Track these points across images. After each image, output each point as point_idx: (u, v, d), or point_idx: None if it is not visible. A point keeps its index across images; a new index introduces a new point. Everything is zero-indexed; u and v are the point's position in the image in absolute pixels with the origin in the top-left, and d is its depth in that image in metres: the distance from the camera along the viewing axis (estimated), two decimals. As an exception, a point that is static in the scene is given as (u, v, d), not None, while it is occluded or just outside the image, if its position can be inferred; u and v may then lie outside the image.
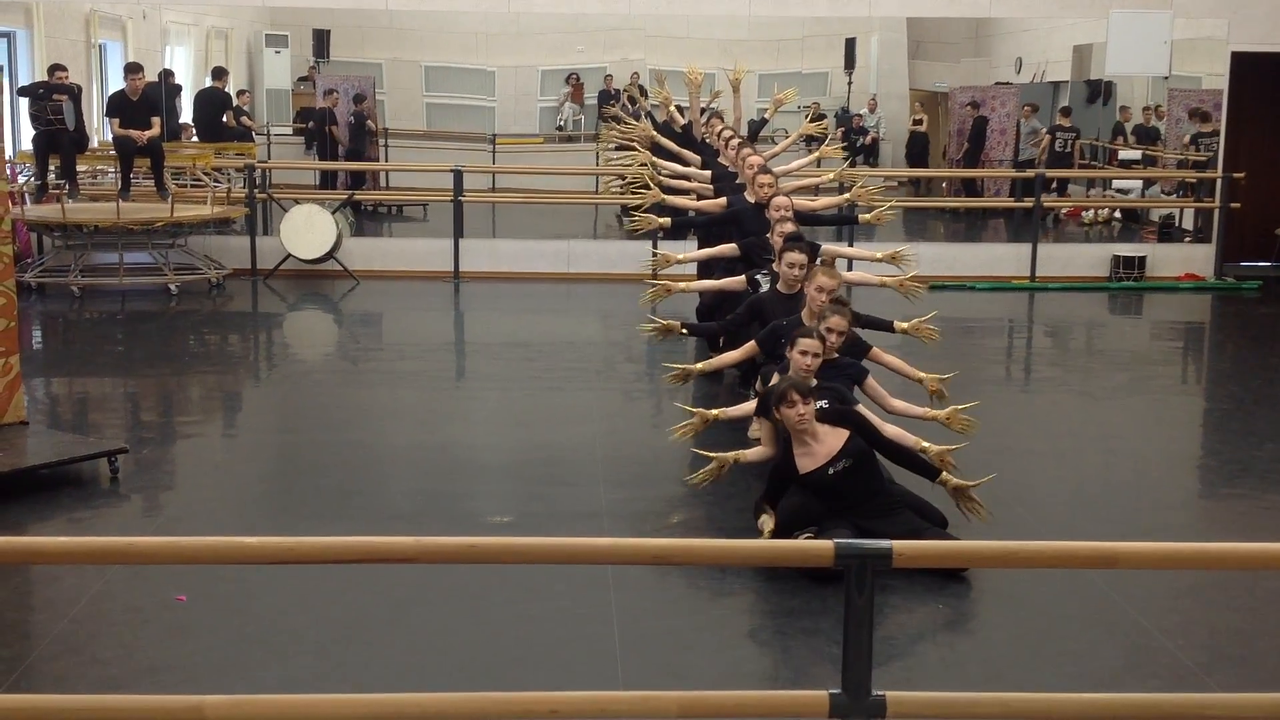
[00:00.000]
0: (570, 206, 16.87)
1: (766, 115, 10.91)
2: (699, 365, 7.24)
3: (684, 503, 6.64)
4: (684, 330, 7.71)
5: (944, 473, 5.91)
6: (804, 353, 6.05)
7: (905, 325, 7.36)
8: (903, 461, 5.93)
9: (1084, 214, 18.34)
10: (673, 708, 3.66)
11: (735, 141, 9.88)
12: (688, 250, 9.51)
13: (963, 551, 4.71)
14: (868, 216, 9.11)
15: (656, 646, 4.91)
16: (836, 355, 6.40)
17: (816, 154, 10.55)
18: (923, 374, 6.96)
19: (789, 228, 7.84)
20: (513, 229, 16.16)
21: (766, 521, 5.72)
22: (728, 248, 8.65)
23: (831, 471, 5.67)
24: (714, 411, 6.52)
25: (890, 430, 6.06)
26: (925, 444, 6.13)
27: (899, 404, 6.57)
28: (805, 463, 5.71)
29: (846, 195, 9.55)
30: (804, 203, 9.39)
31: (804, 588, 5.37)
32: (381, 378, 9.60)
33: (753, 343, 7.10)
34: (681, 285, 8.20)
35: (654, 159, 10.35)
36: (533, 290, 13.24)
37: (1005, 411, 8.81)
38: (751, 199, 8.77)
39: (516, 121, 24.67)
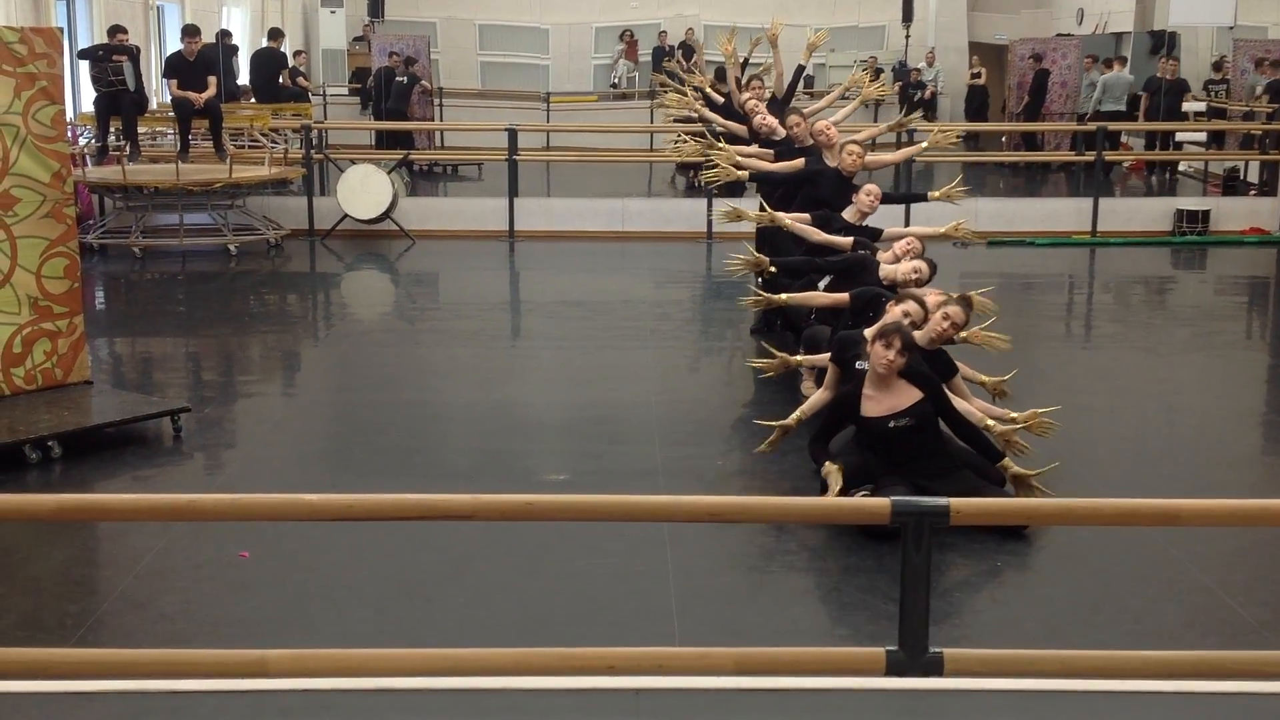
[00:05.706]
0: (625, 164, 16.81)
1: (801, 62, 10.67)
2: (784, 295, 7.30)
3: (740, 460, 6.63)
4: (773, 268, 7.66)
5: (1005, 458, 5.83)
6: (946, 317, 6.07)
7: (936, 193, 8.32)
8: (967, 438, 5.85)
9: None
10: (729, 664, 3.67)
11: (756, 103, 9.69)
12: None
13: (1021, 509, 4.69)
14: (935, 194, 8.73)
15: (712, 603, 4.92)
16: (942, 347, 6.34)
17: (844, 86, 10.36)
18: (984, 376, 6.85)
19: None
20: (567, 187, 16.15)
21: (834, 475, 5.66)
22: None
23: (892, 425, 5.66)
24: (797, 358, 6.80)
25: (961, 405, 6.01)
26: (990, 421, 6.05)
27: (979, 403, 6.45)
28: (870, 406, 5.71)
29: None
30: None
31: (861, 545, 5.36)
32: (438, 337, 9.65)
33: (846, 295, 6.99)
34: (786, 219, 7.85)
35: (705, 113, 10.36)
36: (587, 249, 13.23)
37: (1066, 368, 8.72)
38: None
39: (570, 79, 24.59)
